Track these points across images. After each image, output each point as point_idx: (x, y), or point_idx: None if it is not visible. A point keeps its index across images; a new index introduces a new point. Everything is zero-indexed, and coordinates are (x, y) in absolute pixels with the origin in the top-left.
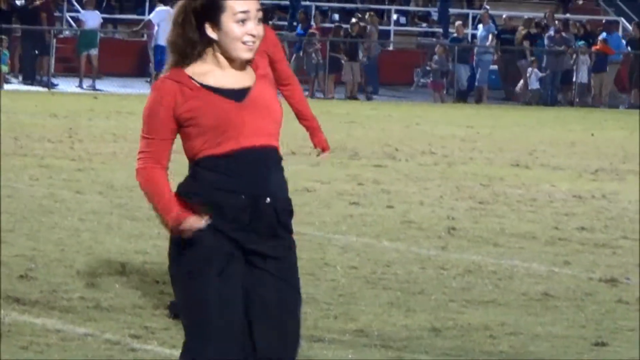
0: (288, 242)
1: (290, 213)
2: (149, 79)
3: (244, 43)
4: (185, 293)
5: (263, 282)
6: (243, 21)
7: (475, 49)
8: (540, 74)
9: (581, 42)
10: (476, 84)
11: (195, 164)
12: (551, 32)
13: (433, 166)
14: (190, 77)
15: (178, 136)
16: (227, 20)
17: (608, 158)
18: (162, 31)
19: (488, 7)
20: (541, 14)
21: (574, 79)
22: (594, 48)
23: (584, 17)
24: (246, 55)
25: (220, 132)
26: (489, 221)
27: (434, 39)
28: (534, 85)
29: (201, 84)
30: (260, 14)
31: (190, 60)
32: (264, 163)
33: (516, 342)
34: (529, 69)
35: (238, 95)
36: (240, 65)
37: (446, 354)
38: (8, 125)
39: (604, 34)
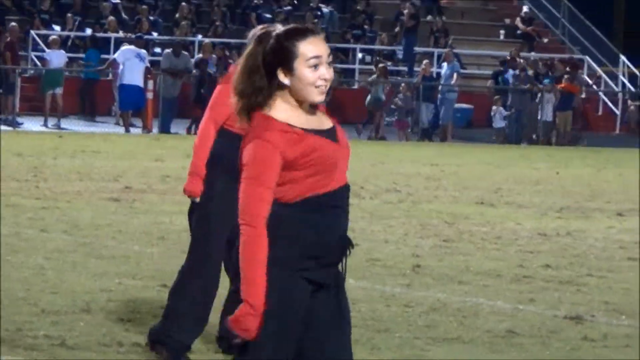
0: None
1: None
2: (114, 118)
3: (316, 87)
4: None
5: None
6: (316, 66)
7: (440, 88)
8: (505, 113)
9: (547, 80)
10: (440, 122)
11: (297, 205)
12: (516, 71)
13: (398, 204)
14: (287, 123)
15: None
16: (300, 66)
17: (573, 196)
18: (127, 70)
19: (454, 45)
20: (506, 53)
21: (538, 117)
22: (559, 86)
23: (550, 56)
24: (319, 98)
25: (328, 172)
26: (454, 259)
27: (399, 78)
28: (499, 124)
29: (302, 128)
30: (330, 58)
31: (258, 105)
32: (348, 200)
33: None
34: (494, 107)
35: (332, 136)
36: (310, 106)
37: None
38: None
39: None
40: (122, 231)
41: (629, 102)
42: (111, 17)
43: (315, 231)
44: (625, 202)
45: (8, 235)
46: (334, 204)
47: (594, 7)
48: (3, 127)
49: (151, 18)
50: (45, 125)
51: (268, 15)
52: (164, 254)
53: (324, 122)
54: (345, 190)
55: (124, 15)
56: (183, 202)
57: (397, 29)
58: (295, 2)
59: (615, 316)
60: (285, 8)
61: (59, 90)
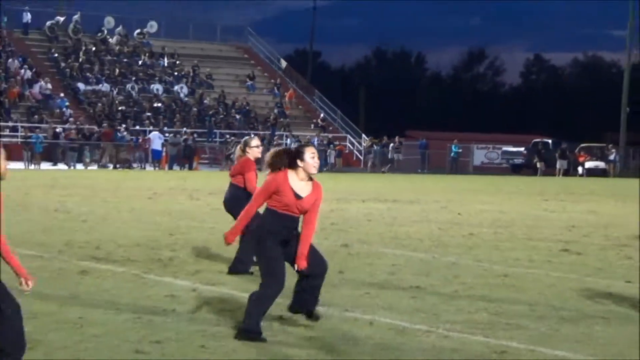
0: None
1: None
2: None
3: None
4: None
5: None
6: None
7: None
8: None
9: (332, 145)
10: None
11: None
12: (320, 139)
13: None
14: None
15: None
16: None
17: None
18: None
19: None
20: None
21: (331, 162)
22: (337, 147)
23: (333, 135)
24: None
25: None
26: None
27: None
28: None
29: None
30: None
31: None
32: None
33: None
34: None
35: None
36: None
37: None
38: None
39: None
40: None
41: (367, 155)
42: None
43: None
44: None
45: None
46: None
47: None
48: None
49: None
50: None
51: None
52: None
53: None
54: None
55: None
56: None
57: None
58: None
59: None
60: None
61: None
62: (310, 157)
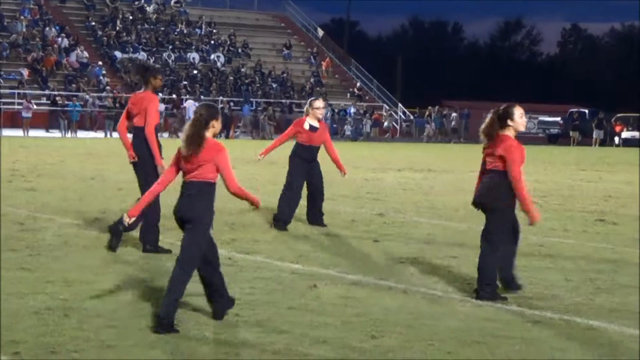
0: None
1: None
2: None
3: None
4: None
5: None
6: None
7: None
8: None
9: (367, 113)
10: None
11: None
12: (356, 109)
13: None
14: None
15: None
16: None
17: None
18: None
19: None
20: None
21: (367, 130)
22: (373, 117)
23: (368, 104)
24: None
25: None
26: None
27: None
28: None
29: None
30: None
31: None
32: None
33: None
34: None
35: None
36: None
37: None
38: None
39: None
40: None
41: (403, 124)
42: None
43: None
44: None
45: None
46: None
47: (381, 74)
48: None
49: None
50: None
51: None
52: None
53: None
54: None
55: None
56: None
57: None
58: None
59: None
60: None
61: None
62: (519, 116)
